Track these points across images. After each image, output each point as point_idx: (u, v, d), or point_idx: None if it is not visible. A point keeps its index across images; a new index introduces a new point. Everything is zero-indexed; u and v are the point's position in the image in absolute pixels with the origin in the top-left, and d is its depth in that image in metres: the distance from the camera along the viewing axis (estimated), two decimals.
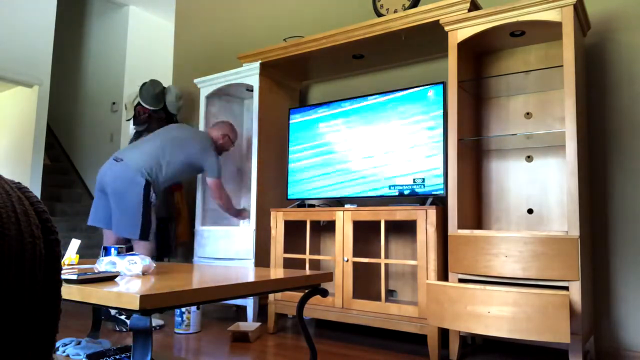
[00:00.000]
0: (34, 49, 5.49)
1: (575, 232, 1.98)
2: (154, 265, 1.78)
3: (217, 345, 2.54)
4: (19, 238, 0.42)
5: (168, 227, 3.91)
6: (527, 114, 2.55)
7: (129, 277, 1.55)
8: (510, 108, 2.61)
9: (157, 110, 4.01)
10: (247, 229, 3.13)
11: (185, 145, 3.08)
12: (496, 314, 1.96)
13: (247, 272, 1.80)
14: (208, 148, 3.14)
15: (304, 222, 3.02)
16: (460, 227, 2.31)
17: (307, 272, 1.85)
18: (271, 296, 2.87)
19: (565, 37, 2.11)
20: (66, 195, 6.24)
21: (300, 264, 2.99)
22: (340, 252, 2.65)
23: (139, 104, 4.02)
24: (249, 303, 3.02)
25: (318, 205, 3.03)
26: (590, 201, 2.43)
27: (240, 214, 3.28)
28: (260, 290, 1.54)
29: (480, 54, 2.71)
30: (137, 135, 4.00)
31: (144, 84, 4.05)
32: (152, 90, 4.00)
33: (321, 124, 3.05)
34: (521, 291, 1.91)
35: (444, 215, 2.42)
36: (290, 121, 3.19)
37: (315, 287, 1.81)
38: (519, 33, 2.42)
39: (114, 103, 6.14)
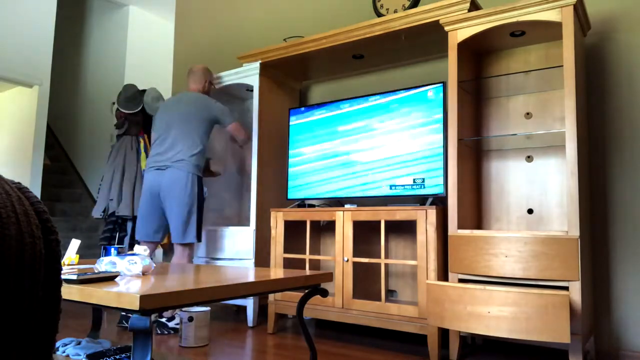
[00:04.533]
0: (34, 49, 5.49)
1: (575, 232, 1.98)
2: (154, 265, 1.78)
3: (217, 345, 2.54)
4: (19, 238, 0.42)
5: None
6: (527, 114, 2.55)
7: (129, 277, 1.55)
8: (510, 108, 2.61)
9: (133, 113, 4.04)
10: (247, 229, 3.13)
11: (192, 116, 2.98)
12: (496, 314, 1.96)
13: (247, 272, 1.80)
14: (210, 102, 3.05)
15: (304, 222, 3.02)
16: (460, 227, 2.31)
17: (307, 272, 1.85)
18: (271, 296, 2.87)
19: (565, 37, 2.11)
20: (66, 195, 6.24)
21: (300, 264, 2.99)
22: (340, 252, 2.65)
23: (117, 108, 4.11)
24: (249, 303, 3.02)
25: (318, 205, 3.03)
26: (590, 201, 2.43)
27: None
28: (260, 290, 1.54)
29: (480, 54, 2.70)
30: (117, 139, 4.10)
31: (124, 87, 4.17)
32: (124, 94, 4.07)
33: (321, 124, 3.05)
34: (521, 291, 1.91)
35: (444, 215, 2.42)
36: (290, 121, 3.19)
37: (315, 287, 1.81)
38: (519, 33, 2.42)
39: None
